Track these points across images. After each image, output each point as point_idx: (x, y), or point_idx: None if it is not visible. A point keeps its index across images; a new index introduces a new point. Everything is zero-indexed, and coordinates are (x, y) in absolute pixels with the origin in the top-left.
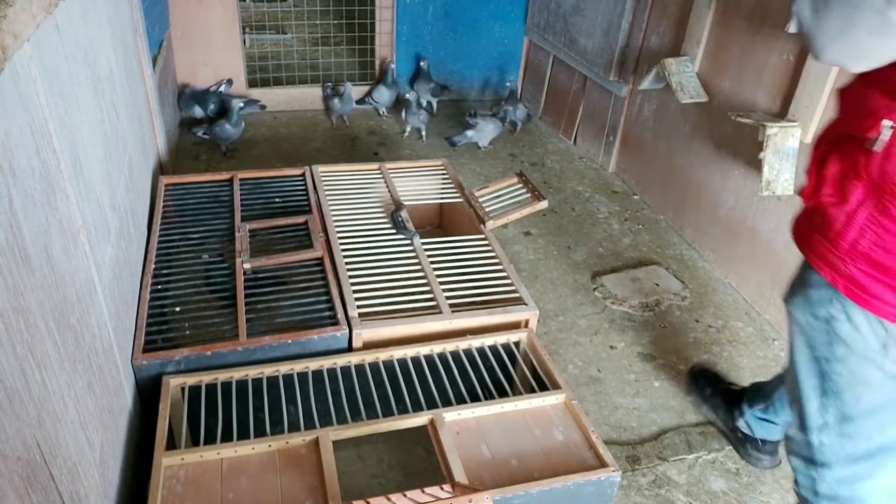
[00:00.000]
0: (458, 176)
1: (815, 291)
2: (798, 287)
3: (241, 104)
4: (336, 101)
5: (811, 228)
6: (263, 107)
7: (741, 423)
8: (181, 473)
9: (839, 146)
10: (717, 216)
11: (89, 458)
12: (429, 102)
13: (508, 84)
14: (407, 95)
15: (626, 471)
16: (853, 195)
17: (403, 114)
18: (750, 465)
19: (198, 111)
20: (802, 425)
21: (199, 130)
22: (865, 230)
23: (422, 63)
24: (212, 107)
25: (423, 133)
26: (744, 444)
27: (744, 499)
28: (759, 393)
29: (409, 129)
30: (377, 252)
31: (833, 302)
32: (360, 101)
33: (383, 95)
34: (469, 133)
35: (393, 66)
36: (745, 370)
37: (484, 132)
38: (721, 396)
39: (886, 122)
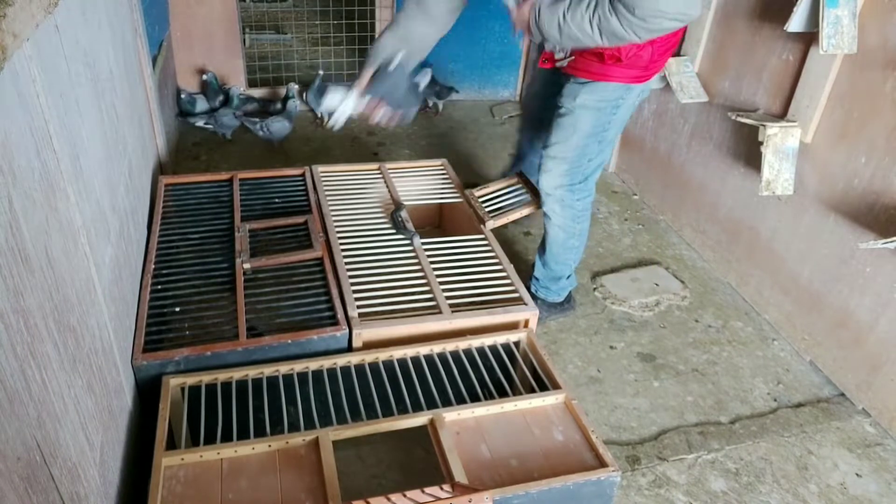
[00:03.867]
0: (458, 176)
1: (611, 92)
2: (589, 94)
3: (241, 90)
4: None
5: (613, 68)
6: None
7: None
8: (181, 473)
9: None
10: (717, 216)
11: (89, 459)
12: (434, 104)
13: None
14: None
15: (625, 471)
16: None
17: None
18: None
19: (200, 106)
20: (574, 165)
21: (200, 121)
22: (654, 54)
23: (425, 69)
24: (221, 97)
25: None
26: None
27: (744, 499)
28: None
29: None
30: (377, 252)
31: (625, 91)
32: None
33: None
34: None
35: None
36: (745, 370)
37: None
38: None
39: None
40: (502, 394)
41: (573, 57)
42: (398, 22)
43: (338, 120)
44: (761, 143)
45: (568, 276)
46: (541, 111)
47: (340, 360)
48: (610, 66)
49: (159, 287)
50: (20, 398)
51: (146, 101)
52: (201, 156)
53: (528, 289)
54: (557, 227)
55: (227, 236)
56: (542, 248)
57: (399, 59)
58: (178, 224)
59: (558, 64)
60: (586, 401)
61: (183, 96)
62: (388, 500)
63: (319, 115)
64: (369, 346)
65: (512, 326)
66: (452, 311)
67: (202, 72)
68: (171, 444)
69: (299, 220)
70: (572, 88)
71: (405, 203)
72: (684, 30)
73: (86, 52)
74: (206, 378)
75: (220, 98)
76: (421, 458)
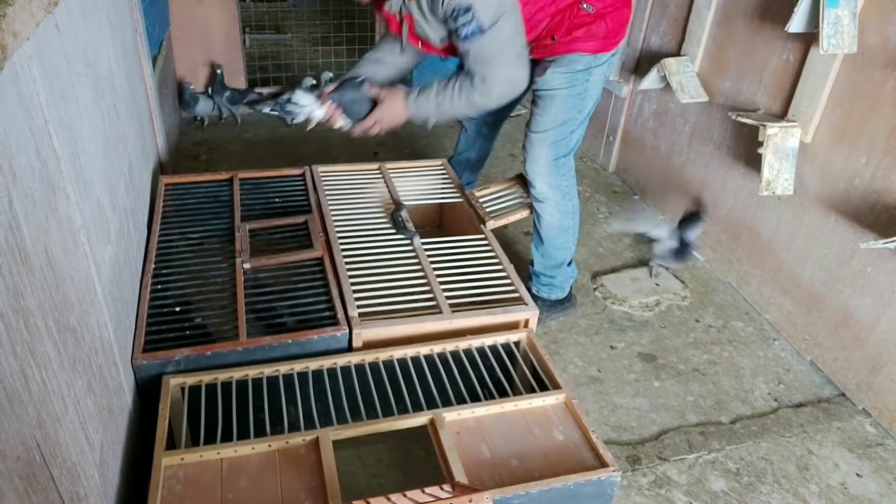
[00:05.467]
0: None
1: (579, 62)
2: (559, 66)
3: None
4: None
5: (573, 42)
6: (260, 94)
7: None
8: (181, 473)
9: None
10: (717, 216)
11: (89, 459)
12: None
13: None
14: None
15: (626, 471)
16: (599, 17)
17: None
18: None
19: (201, 108)
20: (559, 137)
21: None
22: (609, 24)
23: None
24: (227, 94)
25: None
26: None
27: (744, 499)
28: None
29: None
30: (377, 252)
31: (592, 60)
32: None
33: None
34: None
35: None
36: (745, 370)
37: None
38: None
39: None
40: (502, 394)
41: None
42: (367, 57)
43: (299, 117)
44: (761, 143)
45: (569, 263)
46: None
47: (340, 360)
48: (569, 41)
49: (159, 287)
50: (20, 398)
51: (146, 100)
52: (201, 156)
53: (529, 290)
54: (549, 208)
55: (227, 236)
56: (539, 238)
57: (359, 79)
58: (178, 224)
59: None
60: (586, 401)
61: (189, 90)
62: (388, 500)
63: (287, 116)
64: (369, 345)
65: (512, 326)
66: (452, 311)
67: (214, 64)
68: (171, 444)
69: (299, 220)
70: (542, 66)
71: (405, 203)
72: (630, 9)
73: (86, 52)
74: (206, 378)
75: (227, 94)
76: (421, 458)
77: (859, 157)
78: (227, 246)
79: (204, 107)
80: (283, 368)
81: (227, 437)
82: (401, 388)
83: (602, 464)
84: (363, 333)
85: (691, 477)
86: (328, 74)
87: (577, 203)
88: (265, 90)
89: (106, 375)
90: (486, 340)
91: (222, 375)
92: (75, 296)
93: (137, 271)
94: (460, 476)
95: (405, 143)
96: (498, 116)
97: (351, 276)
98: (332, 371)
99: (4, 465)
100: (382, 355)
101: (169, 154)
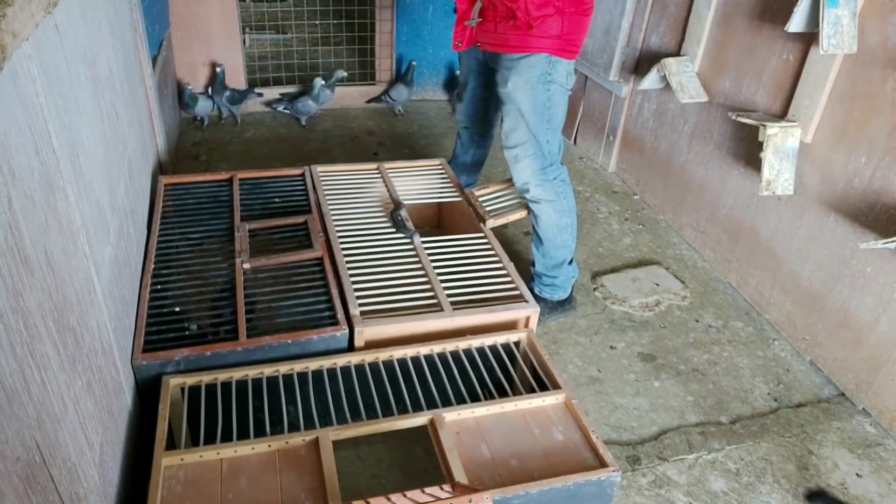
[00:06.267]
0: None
1: (536, 67)
2: (518, 75)
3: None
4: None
5: (529, 37)
6: (260, 94)
7: None
8: (181, 473)
9: None
10: (717, 216)
11: (89, 459)
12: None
13: None
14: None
15: (626, 471)
16: (558, 12)
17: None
18: None
19: (201, 109)
20: (537, 149)
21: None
22: (565, 25)
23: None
24: (227, 94)
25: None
26: None
27: (744, 499)
28: None
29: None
30: (377, 251)
31: (548, 65)
32: (377, 100)
33: (402, 93)
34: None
35: (414, 63)
36: (745, 370)
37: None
38: None
39: None
40: (502, 394)
41: (482, 19)
42: None
43: None
44: (761, 144)
45: (570, 262)
46: (477, 114)
47: (340, 360)
48: (525, 35)
49: (159, 287)
50: (19, 398)
51: (146, 100)
52: (201, 156)
53: (531, 291)
54: (545, 208)
55: (227, 236)
56: (538, 239)
57: None
58: (178, 224)
59: (468, 23)
60: (586, 401)
61: (188, 90)
62: (388, 500)
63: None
64: (371, 344)
65: (513, 324)
66: (454, 309)
67: (214, 64)
68: (171, 444)
69: (299, 219)
70: (502, 75)
71: (404, 203)
72: (592, 8)
73: (86, 52)
74: (206, 378)
75: (227, 94)
76: (421, 458)
77: (859, 157)
78: (227, 246)
79: (204, 107)
80: (283, 368)
81: (226, 438)
82: (401, 388)
83: (602, 464)
84: (365, 332)
85: (691, 477)
86: (341, 73)
87: (573, 201)
88: (266, 90)
89: (106, 376)
90: (486, 340)
91: (222, 375)
92: (75, 296)
93: (137, 271)
94: (460, 476)
95: (404, 143)
96: (487, 125)
97: (351, 276)
98: (331, 371)
99: (4, 465)
100: (382, 355)
101: (169, 154)
